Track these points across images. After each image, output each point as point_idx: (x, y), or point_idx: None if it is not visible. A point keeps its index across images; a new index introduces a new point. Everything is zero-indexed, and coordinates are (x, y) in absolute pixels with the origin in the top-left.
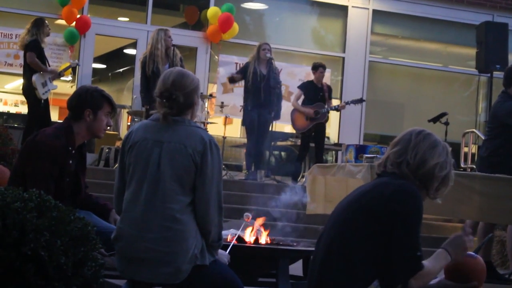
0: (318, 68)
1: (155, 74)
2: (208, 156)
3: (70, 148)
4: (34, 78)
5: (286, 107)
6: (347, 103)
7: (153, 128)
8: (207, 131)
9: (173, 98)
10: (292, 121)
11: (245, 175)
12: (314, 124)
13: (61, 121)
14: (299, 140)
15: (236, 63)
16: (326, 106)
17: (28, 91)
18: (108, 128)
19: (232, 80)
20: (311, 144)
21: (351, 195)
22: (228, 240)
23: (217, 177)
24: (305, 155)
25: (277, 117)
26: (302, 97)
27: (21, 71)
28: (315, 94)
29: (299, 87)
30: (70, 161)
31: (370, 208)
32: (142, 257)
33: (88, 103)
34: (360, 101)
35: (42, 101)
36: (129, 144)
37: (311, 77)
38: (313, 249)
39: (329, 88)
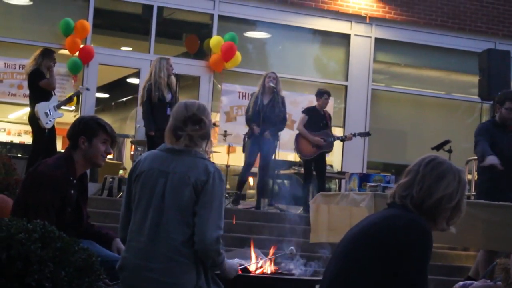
0: (323, 94)
1: (161, 102)
2: (210, 184)
3: (71, 178)
4: (37, 107)
5: (290, 135)
6: (354, 135)
7: (160, 158)
8: (214, 163)
9: (203, 121)
10: (297, 147)
11: (233, 198)
12: (319, 152)
13: (63, 151)
14: (302, 169)
15: (239, 92)
16: (332, 136)
17: (33, 120)
18: (110, 157)
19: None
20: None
21: (359, 225)
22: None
23: (217, 205)
24: (310, 181)
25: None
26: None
27: (24, 101)
28: (318, 121)
29: (303, 112)
30: (72, 191)
31: (379, 240)
32: (146, 287)
33: (82, 131)
34: (367, 134)
35: (46, 130)
36: (136, 173)
37: (314, 104)
38: (317, 278)
39: (329, 116)
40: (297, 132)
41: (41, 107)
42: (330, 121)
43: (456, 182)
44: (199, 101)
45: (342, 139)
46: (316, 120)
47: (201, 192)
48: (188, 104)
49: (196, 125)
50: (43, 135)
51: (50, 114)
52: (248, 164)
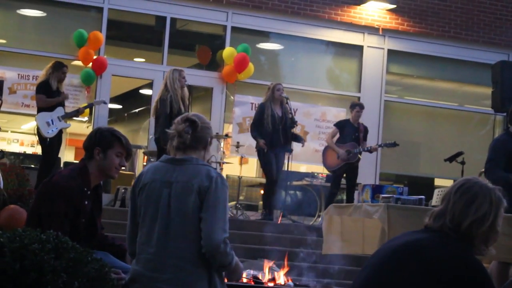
0: (354, 107)
1: (179, 114)
2: (213, 189)
3: (85, 188)
4: (38, 117)
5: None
6: (379, 145)
7: (161, 169)
8: (216, 169)
9: (196, 124)
10: (323, 159)
11: (262, 215)
12: (344, 163)
13: (77, 162)
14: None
15: (252, 103)
16: (359, 147)
17: (38, 131)
18: (123, 168)
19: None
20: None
21: (400, 239)
22: (246, 280)
23: (221, 209)
24: (337, 193)
25: (289, 151)
26: (337, 135)
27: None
28: (350, 133)
29: (335, 125)
30: (86, 202)
31: (428, 260)
32: None
33: (97, 142)
34: (394, 145)
35: (48, 139)
36: (139, 186)
37: (327, 116)
38: None
39: (366, 129)
40: (326, 144)
41: (40, 117)
42: (366, 134)
43: (487, 203)
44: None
45: (368, 150)
46: (348, 132)
47: (205, 197)
48: (188, 113)
49: (187, 123)
50: (45, 144)
51: (52, 124)
52: (272, 181)
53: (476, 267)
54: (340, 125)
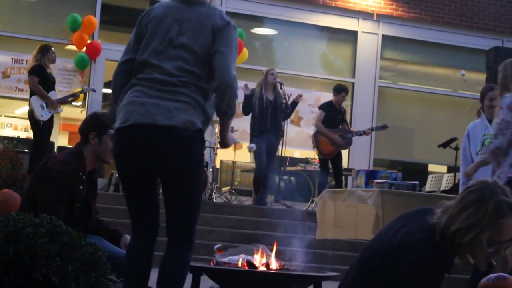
0: (341, 92)
1: None
2: (228, 30)
3: (80, 173)
4: (32, 99)
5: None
6: (371, 129)
7: (174, 7)
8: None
9: None
10: (316, 145)
11: (253, 200)
12: (339, 149)
13: (71, 146)
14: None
15: None
16: (351, 131)
17: (31, 114)
18: None
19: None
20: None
21: (388, 224)
22: (239, 265)
23: (235, 49)
24: (327, 178)
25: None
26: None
27: None
28: (335, 116)
29: (320, 107)
30: (81, 187)
31: (388, 248)
32: (152, 105)
33: (93, 126)
34: (384, 127)
35: (41, 123)
36: (149, 17)
37: (321, 102)
38: (323, 274)
39: (345, 111)
40: (315, 129)
41: (35, 100)
42: (345, 116)
43: (480, 214)
44: None
45: (361, 134)
46: (333, 115)
47: (219, 35)
48: None
49: None
50: (39, 128)
51: (46, 107)
52: (260, 168)
53: (417, 258)
54: (325, 107)
